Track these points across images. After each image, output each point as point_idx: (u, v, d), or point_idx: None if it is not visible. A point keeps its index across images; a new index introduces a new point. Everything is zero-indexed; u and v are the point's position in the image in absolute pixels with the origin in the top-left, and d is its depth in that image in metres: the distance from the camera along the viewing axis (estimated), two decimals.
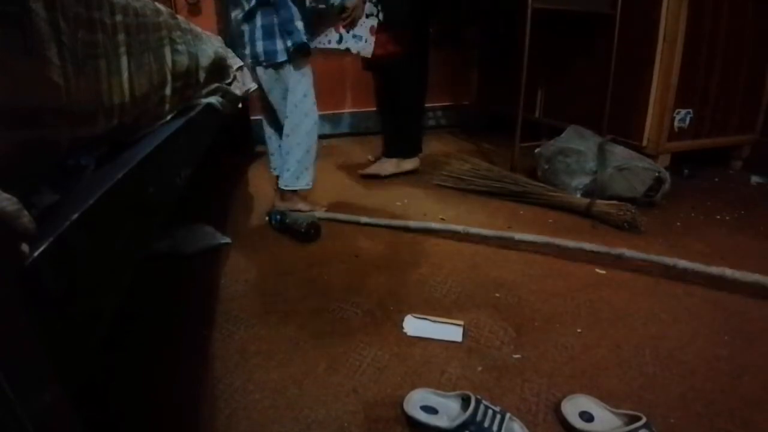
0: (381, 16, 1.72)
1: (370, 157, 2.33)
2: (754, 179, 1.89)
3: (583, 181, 1.64)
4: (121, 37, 0.65)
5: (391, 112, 2.03)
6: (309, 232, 1.38)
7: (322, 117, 2.82)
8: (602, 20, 1.95)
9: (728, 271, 1.11)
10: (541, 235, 1.32)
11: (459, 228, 1.40)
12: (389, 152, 2.05)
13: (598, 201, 1.51)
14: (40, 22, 0.41)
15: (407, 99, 1.99)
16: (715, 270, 1.12)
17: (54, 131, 0.44)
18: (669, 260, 1.16)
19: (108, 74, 0.60)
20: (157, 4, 0.87)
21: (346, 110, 2.86)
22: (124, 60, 0.66)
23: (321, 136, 2.84)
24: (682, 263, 1.15)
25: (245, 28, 1.50)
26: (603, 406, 0.73)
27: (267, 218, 1.52)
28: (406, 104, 2.00)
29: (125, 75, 0.66)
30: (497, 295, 1.09)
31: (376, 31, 1.68)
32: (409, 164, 2.05)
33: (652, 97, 1.81)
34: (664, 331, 0.95)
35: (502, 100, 2.62)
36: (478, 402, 0.71)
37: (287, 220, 1.43)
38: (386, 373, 0.84)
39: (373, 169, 2.03)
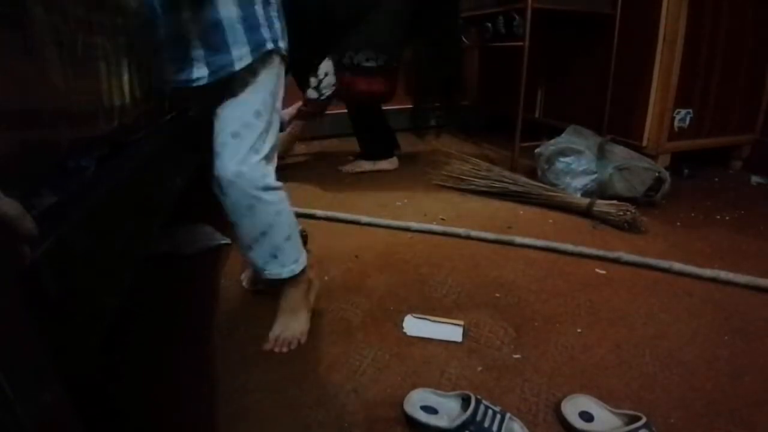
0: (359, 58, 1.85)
1: (350, 157, 2.37)
2: (754, 179, 1.89)
3: (583, 181, 1.64)
4: (122, 38, 0.66)
5: (361, 121, 2.16)
6: None
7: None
8: (602, 20, 1.95)
9: (722, 273, 1.12)
10: (541, 239, 1.33)
11: (460, 231, 1.40)
12: (365, 156, 2.17)
13: (598, 201, 1.51)
14: (40, 24, 0.41)
15: (375, 110, 2.13)
16: (708, 272, 1.13)
17: (54, 133, 0.44)
18: (665, 263, 1.17)
19: (108, 76, 0.60)
20: None
21: (346, 110, 2.85)
22: (124, 61, 0.66)
23: (321, 137, 2.87)
24: (677, 266, 1.16)
25: None
26: (603, 406, 0.73)
27: None
28: (375, 114, 2.14)
29: (125, 76, 0.67)
30: (497, 295, 1.09)
31: (361, 73, 1.85)
32: (383, 164, 2.15)
33: (652, 97, 1.81)
34: (664, 331, 0.95)
35: (502, 100, 2.62)
36: (478, 402, 0.71)
37: None
38: (386, 373, 0.84)
39: (348, 168, 2.15)
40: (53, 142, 0.45)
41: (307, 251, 1.31)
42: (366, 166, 2.14)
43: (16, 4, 0.38)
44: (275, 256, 0.90)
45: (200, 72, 0.80)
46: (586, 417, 0.71)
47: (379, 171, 2.12)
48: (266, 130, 0.87)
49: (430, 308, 1.03)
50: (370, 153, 2.17)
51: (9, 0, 0.37)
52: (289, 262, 0.92)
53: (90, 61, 0.55)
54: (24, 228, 0.31)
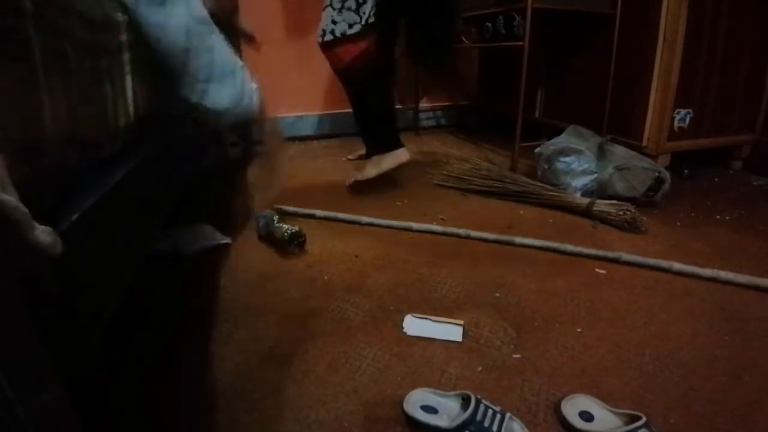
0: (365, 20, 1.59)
1: (350, 156, 2.25)
2: (754, 179, 1.89)
3: (583, 181, 1.64)
4: (126, 56, 0.65)
5: (360, 112, 1.84)
6: (290, 243, 1.30)
7: (321, 117, 2.85)
8: (602, 20, 1.95)
9: (722, 273, 1.12)
10: (541, 239, 1.33)
11: (460, 231, 1.41)
12: (368, 152, 1.87)
13: (598, 201, 1.51)
14: (45, 54, 0.40)
15: (371, 97, 1.79)
16: (708, 272, 1.13)
17: (62, 161, 0.44)
18: (665, 263, 1.17)
19: (113, 97, 0.60)
20: None
21: (346, 110, 2.86)
22: (128, 79, 0.66)
23: (321, 136, 2.87)
24: (677, 266, 1.16)
25: None
26: (603, 406, 0.73)
27: (255, 221, 1.46)
28: (372, 101, 1.80)
29: (129, 94, 0.66)
30: (497, 295, 1.09)
31: (354, 38, 1.59)
32: (390, 160, 1.78)
33: (652, 97, 1.81)
34: (664, 331, 0.95)
35: (502, 100, 2.62)
36: (478, 402, 0.71)
37: (270, 228, 1.35)
38: (386, 373, 0.84)
39: (354, 177, 1.83)
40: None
41: (307, 252, 1.32)
42: (371, 171, 1.80)
43: None
44: None
45: None
46: (586, 417, 0.71)
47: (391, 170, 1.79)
48: None
49: (430, 308, 1.03)
50: (372, 146, 1.84)
51: None
52: None
53: None
54: (53, 254, 0.33)
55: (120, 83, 0.63)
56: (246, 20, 2.54)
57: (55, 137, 0.42)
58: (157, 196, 0.76)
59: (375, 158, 1.80)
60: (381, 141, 1.80)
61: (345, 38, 1.61)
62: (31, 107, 0.39)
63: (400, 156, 1.78)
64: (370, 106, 1.80)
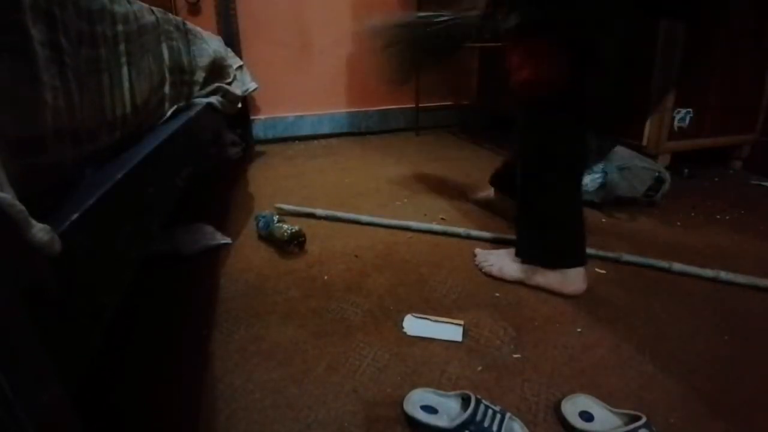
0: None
1: (475, 197, 1.67)
2: (755, 179, 1.89)
3: (583, 180, 1.64)
4: (122, 47, 0.65)
5: (524, 185, 1.11)
6: (290, 243, 1.30)
7: (321, 117, 2.84)
8: None
9: (722, 273, 1.12)
10: None
11: (461, 231, 1.41)
12: (520, 251, 1.15)
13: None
14: (42, 46, 0.40)
15: (551, 170, 1.06)
16: (709, 272, 1.13)
17: (60, 154, 0.44)
18: (665, 263, 1.17)
19: (110, 87, 0.60)
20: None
21: (346, 110, 2.86)
22: (125, 70, 0.66)
23: (320, 136, 2.87)
24: (677, 266, 1.16)
25: None
26: (603, 406, 0.73)
27: (255, 221, 1.46)
28: (550, 178, 1.06)
29: (126, 85, 0.66)
30: (497, 294, 1.09)
31: (511, 44, 1.02)
32: (552, 281, 1.08)
33: (652, 96, 1.81)
34: (664, 331, 0.95)
35: (502, 100, 2.62)
36: (478, 402, 0.71)
37: (270, 228, 1.35)
38: (386, 373, 0.84)
39: (494, 270, 1.16)
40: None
41: (307, 252, 1.32)
42: (514, 274, 1.14)
43: None
44: None
45: None
46: (586, 417, 0.71)
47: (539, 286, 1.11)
48: None
49: (430, 308, 1.03)
50: (525, 251, 1.13)
51: None
52: None
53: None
54: (51, 252, 0.33)
55: (117, 73, 0.63)
56: (246, 20, 2.55)
57: (52, 130, 0.42)
58: (157, 196, 0.76)
59: (526, 266, 1.13)
60: (546, 248, 1.10)
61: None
62: (28, 100, 0.39)
63: (570, 283, 1.07)
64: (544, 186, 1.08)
